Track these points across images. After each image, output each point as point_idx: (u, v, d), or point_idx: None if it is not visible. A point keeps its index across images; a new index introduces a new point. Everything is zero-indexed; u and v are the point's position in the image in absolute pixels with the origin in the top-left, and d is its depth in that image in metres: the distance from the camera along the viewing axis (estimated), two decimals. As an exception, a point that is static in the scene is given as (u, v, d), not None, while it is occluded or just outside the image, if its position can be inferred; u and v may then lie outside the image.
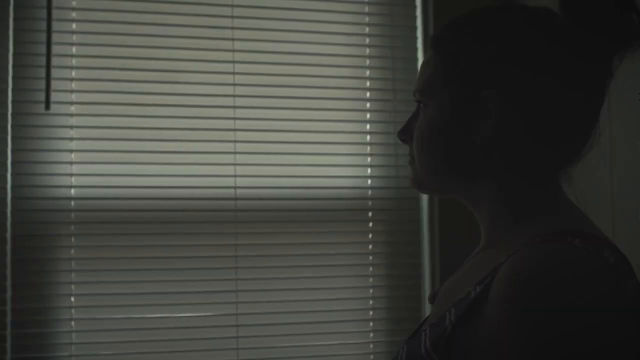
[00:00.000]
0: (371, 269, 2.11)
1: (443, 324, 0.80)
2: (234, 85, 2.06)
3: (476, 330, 0.76)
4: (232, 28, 2.07)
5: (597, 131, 0.88)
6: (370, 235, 2.12)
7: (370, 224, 2.13)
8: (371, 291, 2.10)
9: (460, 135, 0.88)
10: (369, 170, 2.13)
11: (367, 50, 2.16)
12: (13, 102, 1.92)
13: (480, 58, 0.86)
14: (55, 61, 1.94)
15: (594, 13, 0.84)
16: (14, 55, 1.93)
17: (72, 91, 1.97)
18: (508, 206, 0.88)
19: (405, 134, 0.95)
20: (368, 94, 2.15)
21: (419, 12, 2.18)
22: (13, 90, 1.93)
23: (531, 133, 0.85)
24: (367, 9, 2.17)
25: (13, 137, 1.92)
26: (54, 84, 1.93)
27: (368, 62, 2.15)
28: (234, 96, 2.06)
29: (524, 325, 0.70)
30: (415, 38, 2.17)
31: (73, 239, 1.95)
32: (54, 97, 1.93)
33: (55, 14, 1.94)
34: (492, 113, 0.85)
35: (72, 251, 1.94)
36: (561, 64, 0.84)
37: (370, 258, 2.12)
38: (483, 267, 0.84)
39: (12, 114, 1.92)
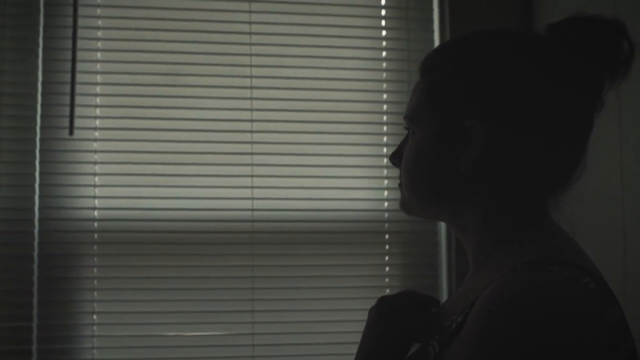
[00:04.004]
0: (387, 290, 2.12)
1: (427, 352, 0.82)
2: (252, 110, 2.11)
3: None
4: (250, 55, 2.13)
5: (585, 157, 0.87)
6: (387, 257, 2.13)
7: (387, 246, 2.14)
8: (386, 313, 2.10)
9: (445, 163, 0.87)
10: (386, 193, 2.14)
11: (384, 74, 2.18)
12: (41, 127, 2.02)
13: (462, 87, 0.86)
14: (80, 89, 2.03)
15: (584, 39, 0.84)
16: (42, 83, 2.03)
17: (95, 117, 2.06)
18: (493, 233, 0.87)
19: (396, 158, 0.96)
20: (385, 117, 2.17)
21: (436, 36, 2.19)
22: (41, 116, 2.03)
23: (515, 162, 0.84)
24: (384, 33, 2.19)
25: (40, 161, 2.02)
26: (80, 111, 2.03)
27: (384, 85, 2.17)
28: (252, 120, 2.11)
29: (500, 343, 0.70)
30: (433, 61, 2.17)
31: (95, 259, 2.02)
32: (79, 123, 2.02)
33: (81, 44, 2.03)
34: (473, 143, 0.85)
35: (95, 270, 2.02)
36: (545, 94, 0.83)
37: (387, 280, 2.13)
38: (466, 295, 0.84)
39: (40, 139, 2.02)
